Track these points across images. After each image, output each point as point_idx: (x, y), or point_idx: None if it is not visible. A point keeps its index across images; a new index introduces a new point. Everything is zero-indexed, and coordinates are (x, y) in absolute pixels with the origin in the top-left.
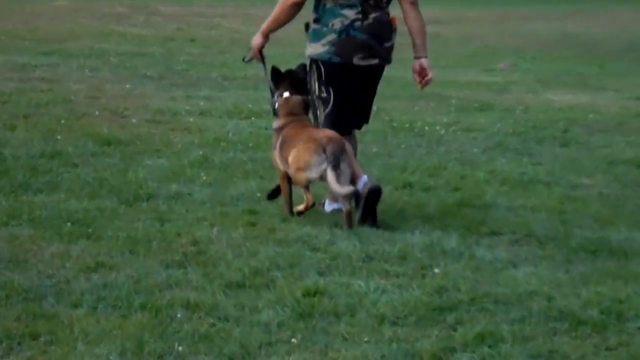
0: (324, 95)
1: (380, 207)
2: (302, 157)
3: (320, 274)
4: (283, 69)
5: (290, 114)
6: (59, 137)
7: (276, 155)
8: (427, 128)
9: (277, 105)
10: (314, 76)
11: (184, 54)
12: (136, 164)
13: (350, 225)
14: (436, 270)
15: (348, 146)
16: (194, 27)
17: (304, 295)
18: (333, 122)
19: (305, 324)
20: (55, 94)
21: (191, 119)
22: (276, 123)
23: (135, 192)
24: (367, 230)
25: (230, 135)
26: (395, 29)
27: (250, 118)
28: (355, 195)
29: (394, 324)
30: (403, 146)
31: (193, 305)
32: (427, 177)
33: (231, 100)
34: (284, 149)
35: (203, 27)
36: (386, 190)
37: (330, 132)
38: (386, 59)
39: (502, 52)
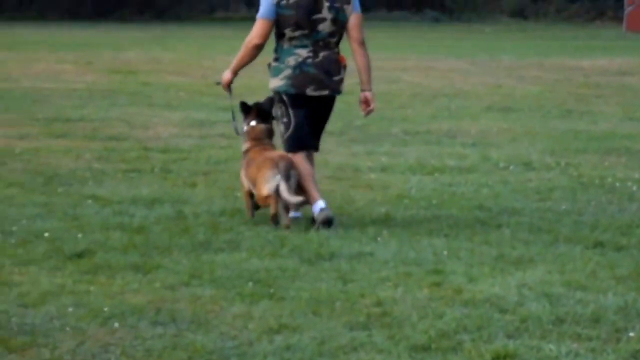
0: (285, 120)
1: (570, 267)
2: (260, 175)
3: (509, 336)
4: (250, 102)
5: (255, 139)
6: (239, 195)
7: (242, 174)
8: (618, 184)
9: (245, 131)
10: (279, 105)
11: None
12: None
13: (275, 224)
14: (631, 334)
15: (306, 166)
16: (374, 81)
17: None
18: (293, 142)
19: None
20: (234, 150)
21: (372, 176)
22: (244, 147)
23: (316, 251)
24: (557, 291)
25: (413, 191)
26: (344, 66)
27: (434, 174)
28: (303, 204)
29: None
30: (593, 203)
31: None
32: (619, 235)
33: (413, 155)
34: (248, 168)
35: (383, 81)
36: (576, 250)
37: (282, 153)
38: (335, 90)
39: None
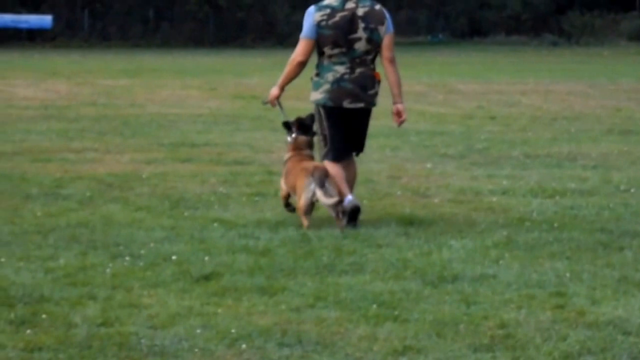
0: (325, 132)
1: None
2: (299, 184)
3: (634, 358)
4: (292, 118)
5: (296, 149)
6: (361, 217)
7: (282, 179)
8: None
9: (288, 142)
10: (319, 117)
11: (484, 132)
12: (440, 245)
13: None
14: None
15: (338, 170)
16: (494, 104)
17: None
18: (334, 155)
19: None
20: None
21: (494, 199)
22: (286, 156)
23: (439, 274)
24: None
25: (534, 214)
26: (378, 81)
27: (554, 197)
28: (339, 204)
29: None
30: None
31: None
32: None
33: (534, 178)
34: (287, 175)
35: (503, 104)
36: None
37: (317, 163)
38: (370, 102)
39: None
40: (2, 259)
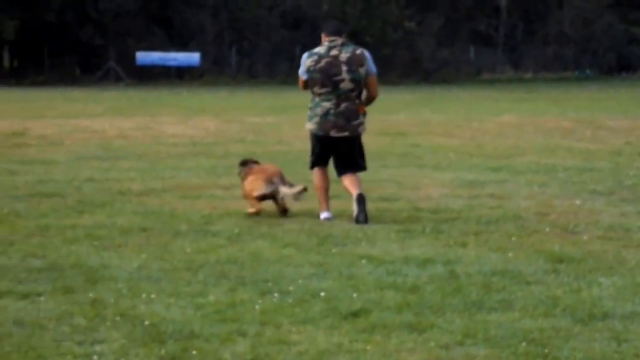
0: (312, 149)
1: None
2: (253, 181)
3: None
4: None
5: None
6: (510, 254)
7: (242, 183)
8: None
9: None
10: (310, 139)
11: (633, 168)
12: (589, 282)
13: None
14: None
15: (322, 181)
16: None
17: None
18: (313, 163)
19: None
20: (504, 210)
21: None
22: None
23: (589, 311)
24: None
25: None
26: (363, 114)
27: None
28: (303, 192)
29: None
30: None
31: None
32: None
33: None
34: (246, 175)
35: None
36: None
37: (270, 167)
38: (354, 131)
39: None
40: (153, 295)
